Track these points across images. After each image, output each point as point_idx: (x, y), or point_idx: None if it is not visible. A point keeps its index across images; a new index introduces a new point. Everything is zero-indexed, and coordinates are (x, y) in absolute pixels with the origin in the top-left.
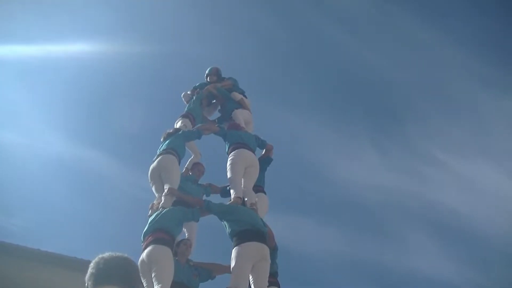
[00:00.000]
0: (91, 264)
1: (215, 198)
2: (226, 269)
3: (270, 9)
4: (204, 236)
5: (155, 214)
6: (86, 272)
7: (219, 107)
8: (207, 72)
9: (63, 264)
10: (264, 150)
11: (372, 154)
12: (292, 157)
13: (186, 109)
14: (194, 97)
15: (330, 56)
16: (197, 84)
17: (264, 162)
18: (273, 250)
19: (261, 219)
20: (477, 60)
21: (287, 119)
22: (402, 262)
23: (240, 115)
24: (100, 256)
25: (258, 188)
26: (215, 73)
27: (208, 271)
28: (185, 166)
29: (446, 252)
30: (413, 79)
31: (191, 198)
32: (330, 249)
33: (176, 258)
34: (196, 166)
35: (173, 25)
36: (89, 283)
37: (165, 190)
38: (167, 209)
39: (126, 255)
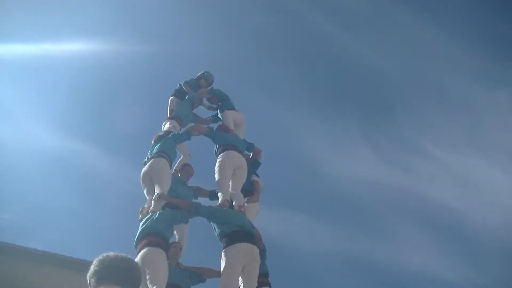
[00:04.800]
0: (95, 262)
1: (204, 202)
2: (216, 273)
3: (264, 5)
4: (195, 238)
5: (146, 218)
6: (80, 270)
7: (206, 100)
8: (204, 75)
9: (58, 263)
10: (252, 153)
11: (364, 148)
12: (284, 151)
13: (174, 111)
14: (186, 97)
15: (322, 49)
16: (189, 79)
17: (252, 165)
18: (262, 252)
19: (249, 222)
20: (469, 53)
21: (279, 112)
22: (394, 258)
23: (230, 116)
24: (105, 254)
25: (247, 192)
26: (210, 83)
27: (199, 275)
28: (174, 167)
29: (439, 248)
30: (405, 73)
31: (180, 201)
32: (321, 245)
33: (168, 261)
34: (185, 167)
35: (170, 24)
36: (92, 280)
37: (155, 194)
38: (157, 212)
39: (129, 256)
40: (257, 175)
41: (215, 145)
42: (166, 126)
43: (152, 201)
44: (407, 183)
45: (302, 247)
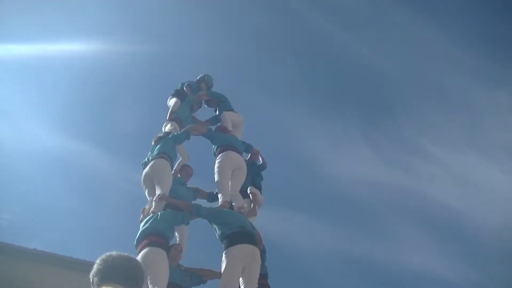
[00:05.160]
0: (98, 261)
1: (202, 203)
2: (216, 274)
3: (264, 5)
4: (195, 239)
5: (146, 219)
6: (80, 270)
7: (201, 105)
8: (205, 79)
9: (58, 263)
10: (250, 154)
11: (364, 148)
12: (284, 151)
13: (174, 113)
14: (186, 100)
15: (322, 49)
16: (190, 81)
17: (250, 167)
18: (262, 253)
19: (250, 222)
20: (469, 53)
21: (279, 112)
22: (394, 258)
23: (228, 117)
24: (108, 253)
25: (245, 193)
26: (210, 87)
27: (199, 276)
28: (174, 168)
29: (439, 248)
30: (405, 73)
31: (181, 203)
32: (321, 245)
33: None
34: (184, 168)
35: (170, 24)
36: (95, 279)
37: (156, 195)
38: (158, 214)
39: (132, 256)
40: (259, 185)
41: (213, 146)
42: (167, 127)
43: (153, 202)
44: (407, 183)
45: (302, 247)
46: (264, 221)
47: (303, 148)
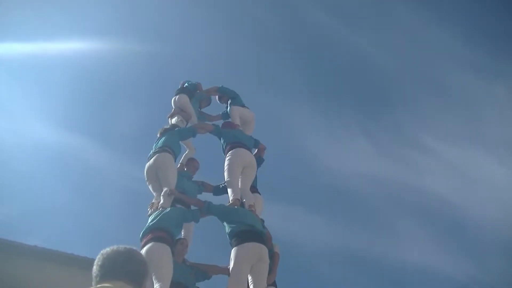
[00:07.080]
0: (96, 260)
1: (208, 197)
2: (222, 270)
3: (263, 1)
4: (201, 234)
5: (155, 214)
6: (82, 268)
7: (210, 101)
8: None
9: (61, 260)
10: (257, 150)
11: (363, 142)
12: (282, 145)
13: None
14: (194, 96)
15: (320, 43)
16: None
17: (257, 162)
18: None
19: (260, 221)
20: (468, 47)
21: (277, 106)
22: (394, 253)
23: (236, 112)
24: (103, 251)
25: (252, 188)
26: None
27: (204, 272)
28: (180, 161)
29: (438, 242)
30: (404, 67)
31: (191, 199)
32: (319, 239)
33: (174, 258)
34: (191, 161)
35: (168, 23)
36: (94, 280)
37: (164, 190)
38: (167, 209)
39: (131, 247)
40: (258, 193)
41: (222, 141)
42: (174, 119)
43: (162, 197)
44: (406, 177)
45: (301, 241)
46: (262, 216)
47: (302, 142)
